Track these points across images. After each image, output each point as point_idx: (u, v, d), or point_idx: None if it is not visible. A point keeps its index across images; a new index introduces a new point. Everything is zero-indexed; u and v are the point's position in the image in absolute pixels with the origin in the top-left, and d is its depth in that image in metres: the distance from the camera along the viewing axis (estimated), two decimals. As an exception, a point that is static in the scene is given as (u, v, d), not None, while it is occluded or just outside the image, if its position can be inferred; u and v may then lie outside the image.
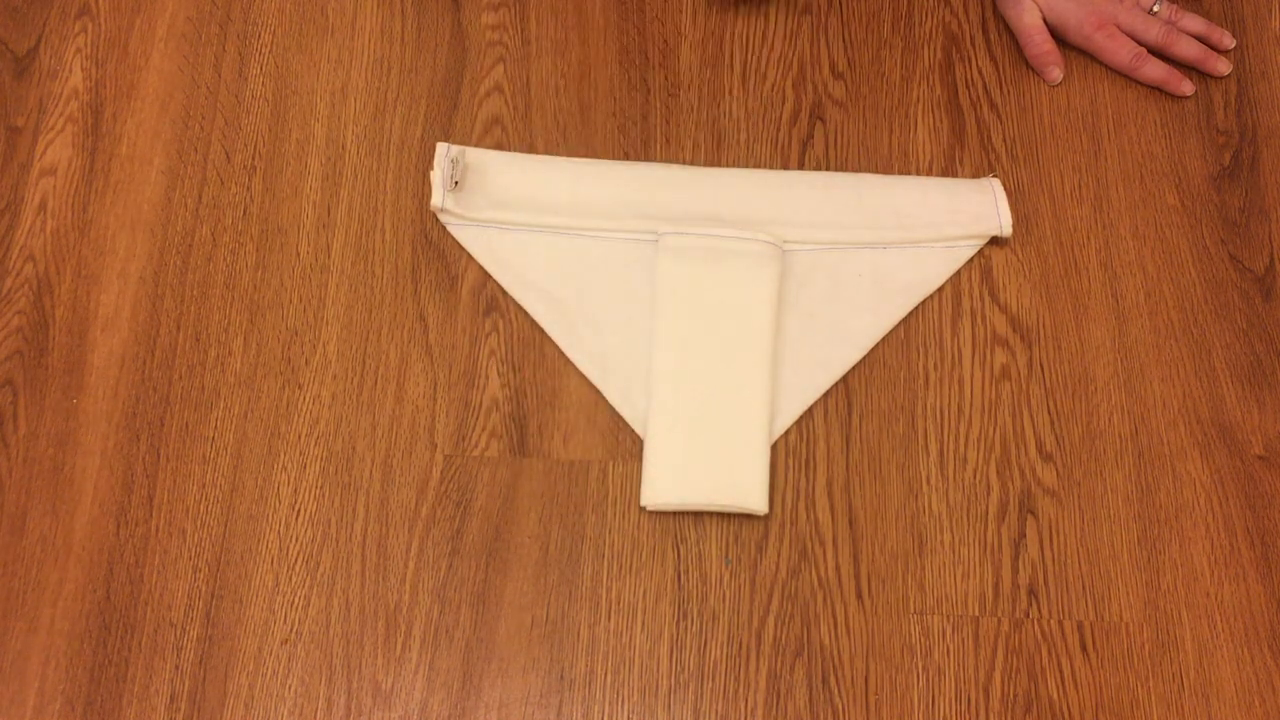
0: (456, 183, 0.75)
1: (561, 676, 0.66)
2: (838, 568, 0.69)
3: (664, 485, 0.69)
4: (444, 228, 0.76)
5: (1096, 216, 0.79)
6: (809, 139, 0.80)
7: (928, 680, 0.67)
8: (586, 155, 0.79)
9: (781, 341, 0.73)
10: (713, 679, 0.67)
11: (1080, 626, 0.68)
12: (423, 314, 0.74)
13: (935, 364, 0.74)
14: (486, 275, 0.75)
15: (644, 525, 0.70)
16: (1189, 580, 0.70)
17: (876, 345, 0.74)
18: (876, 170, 0.80)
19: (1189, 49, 0.83)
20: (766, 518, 0.70)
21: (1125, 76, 0.83)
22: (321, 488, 0.70)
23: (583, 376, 0.73)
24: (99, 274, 0.74)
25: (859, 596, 0.68)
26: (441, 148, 0.77)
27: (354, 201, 0.77)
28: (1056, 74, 0.82)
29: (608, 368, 0.73)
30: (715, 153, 0.80)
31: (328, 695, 0.65)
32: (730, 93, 0.82)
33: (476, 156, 0.77)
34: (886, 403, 0.73)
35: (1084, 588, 0.69)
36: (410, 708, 0.65)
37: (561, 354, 0.73)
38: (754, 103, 0.81)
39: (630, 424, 0.72)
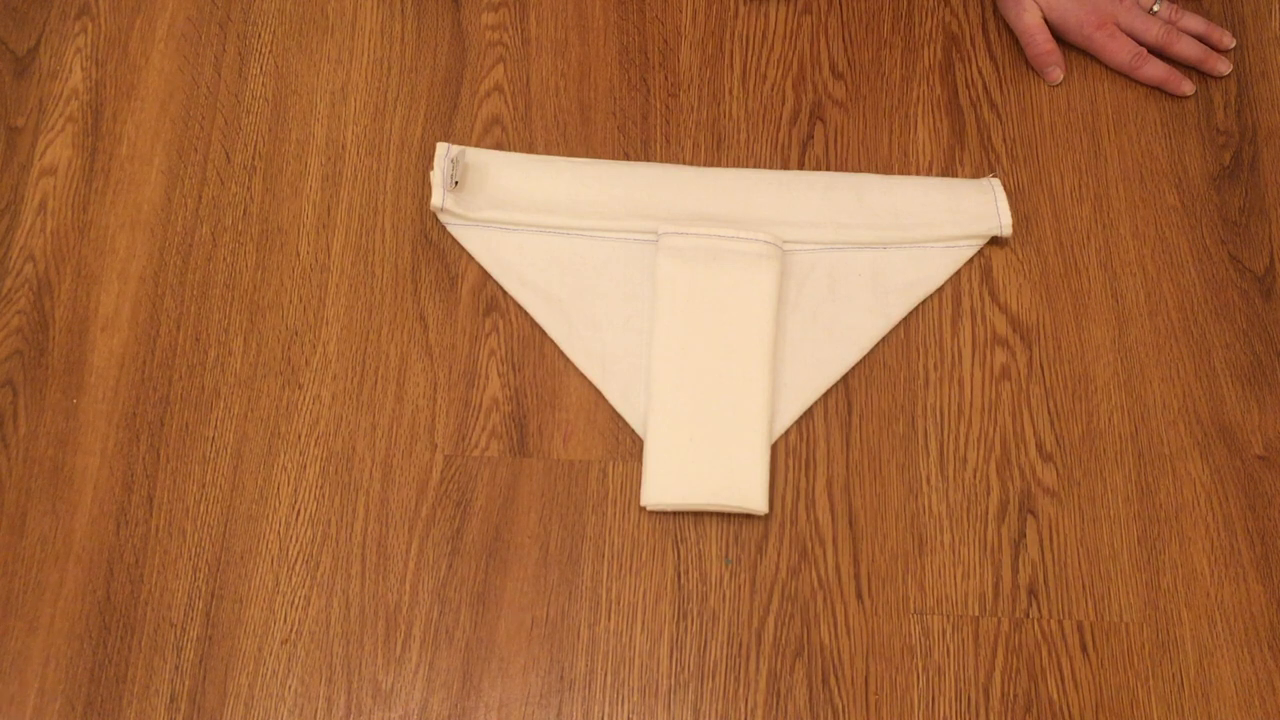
0: (456, 183, 0.75)
1: (561, 676, 0.66)
2: (838, 568, 0.69)
3: (664, 485, 0.69)
4: (444, 228, 0.76)
5: (1096, 216, 0.79)
6: (809, 139, 0.80)
7: (928, 680, 0.67)
8: (586, 155, 0.79)
9: (781, 341, 0.73)
10: (713, 679, 0.67)
11: (1080, 626, 0.68)
12: (423, 314, 0.74)
13: (935, 364, 0.74)
14: (486, 275, 0.75)
15: (644, 525, 0.70)
16: (1189, 580, 0.70)
17: (876, 345, 0.74)
18: (876, 170, 0.80)
19: (1189, 49, 0.83)
20: (766, 518, 0.70)
21: (1125, 76, 0.83)
22: (321, 488, 0.70)
23: (583, 376, 0.73)
24: (99, 274, 0.74)
25: (859, 596, 0.69)
26: (441, 148, 0.77)
27: (354, 201, 0.77)
28: (1057, 74, 0.82)
29: (608, 368, 0.73)
30: (715, 153, 0.80)
31: (328, 695, 0.65)
32: (730, 93, 0.82)
33: (476, 156, 0.77)
34: (886, 403, 0.73)
35: (1084, 588, 0.69)
36: (410, 708, 0.65)
37: (561, 354, 0.73)
38: (754, 103, 0.81)
39: (630, 424, 0.72)
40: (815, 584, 0.69)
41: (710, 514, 0.70)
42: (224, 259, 0.75)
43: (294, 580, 0.68)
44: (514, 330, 0.74)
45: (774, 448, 0.72)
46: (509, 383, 0.73)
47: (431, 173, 0.76)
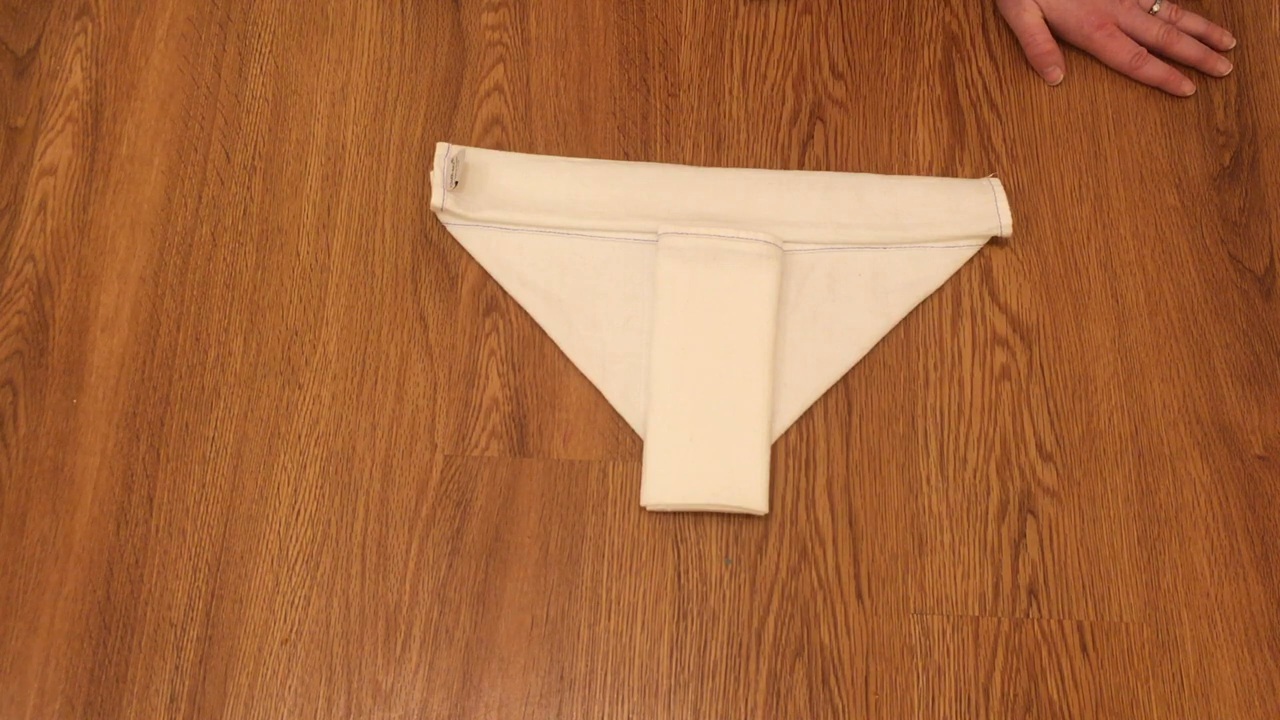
0: (456, 183, 0.75)
1: (561, 676, 0.66)
2: (838, 568, 0.69)
3: (664, 485, 0.69)
4: (444, 228, 0.76)
5: (1096, 216, 0.79)
6: (809, 139, 0.80)
7: (928, 680, 0.67)
8: (586, 155, 0.79)
9: (781, 341, 0.73)
10: (713, 679, 0.67)
11: (1080, 626, 0.68)
12: (423, 314, 0.74)
13: (935, 364, 0.74)
14: (486, 275, 0.75)
15: (644, 525, 0.70)
16: (1189, 580, 0.70)
17: (876, 345, 0.74)
18: (876, 170, 0.80)
19: (1189, 49, 0.83)
20: (766, 518, 0.70)
21: (1125, 76, 0.83)
22: (321, 488, 0.70)
23: (583, 376, 0.73)
24: (99, 274, 0.74)
25: (859, 596, 0.69)
26: (441, 148, 0.77)
27: (354, 201, 0.77)
28: (1057, 74, 0.82)
29: (608, 368, 0.73)
30: (715, 153, 0.80)
31: (328, 695, 0.65)
32: (730, 93, 0.82)
33: (476, 156, 0.77)
34: (886, 403, 0.73)
35: (1084, 588, 0.69)
36: (410, 708, 0.65)
37: (561, 354, 0.73)
38: (754, 103, 0.81)
39: (630, 424, 0.72)
40: (815, 584, 0.69)
41: (710, 514, 0.70)
42: (224, 259, 0.75)
43: (294, 580, 0.68)
44: (514, 330, 0.74)
45: (774, 448, 0.72)
46: (509, 383, 0.73)
47: (431, 173, 0.76)
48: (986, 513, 0.71)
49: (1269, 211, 0.80)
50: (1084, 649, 0.68)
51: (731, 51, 0.83)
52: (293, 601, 0.67)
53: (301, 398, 0.72)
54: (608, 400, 0.72)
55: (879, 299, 0.75)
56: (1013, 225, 0.77)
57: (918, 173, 0.80)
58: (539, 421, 0.72)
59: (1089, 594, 0.69)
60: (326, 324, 0.74)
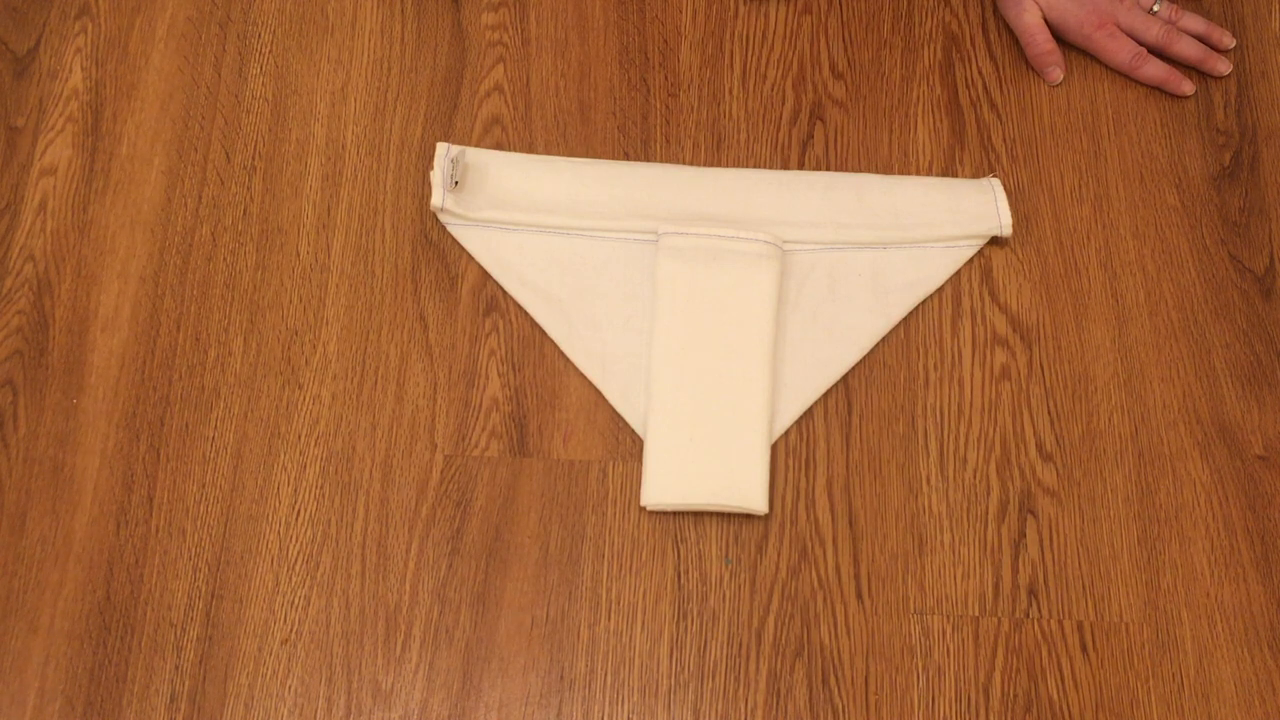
0: (456, 183, 0.75)
1: (561, 676, 0.66)
2: (838, 568, 0.69)
3: (664, 485, 0.69)
4: (444, 228, 0.76)
5: (1096, 216, 0.79)
6: (809, 139, 0.80)
7: (928, 680, 0.67)
8: (586, 155, 0.79)
9: (781, 341, 0.73)
10: (713, 679, 0.67)
11: (1080, 626, 0.68)
12: (423, 314, 0.74)
13: (935, 364, 0.74)
14: (486, 275, 0.75)
15: (644, 525, 0.70)
16: (1189, 580, 0.70)
17: (876, 345, 0.74)
18: (876, 170, 0.80)
19: (1189, 49, 0.83)
20: (766, 518, 0.70)
21: (1125, 76, 0.83)
22: (321, 488, 0.70)
23: (583, 376, 0.73)
24: (99, 274, 0.74)
25: (859, 596, 0.69)
26: (441, 148, 0.77)
27: (354, 201, 0.77)
28: (1057, 74, 0.82)
29: (608, 368, 0.73)
30: (715, 153, 0.80)
31: (328, 695, 0.65)
32: (730, 93, 0.82)
33: (476, 156, 0.77)
34: (886, 403, 0.73)
35: (1084, 588, 0.69)
36: (410, 708, 0.65)
37: (561, 354, 0.73)
38: (754, 103, 0.81)
39: (630, 424, 0.72)
40: (815, 584, 0.69)
41: (710, 514, 0.70)
42: (224, 259, 0.75)
43: (294, 580, 0.68)
44: (514, 330, 0.74)
45: (774, 448, 0.72)
46: (509, 383, 0.73)
47: (431, 173, 0.76)
48: (986, 513, 0.71)
49: (1269, 211, 0.80)
50: (1084, 649, 0.68)
51: (731, 51, 0.83)
52: (293, 601, 0.67)
53: (301, 398, 0.72)
54: (608, 400, 0.72)
55: (879, 299, 0.75)
56: (1013, 225, 0.77)
57: (918, 173, 0.80)
58: (539, 421, 0.72)
59: (1089, 594, 0.69)
60: (326, 324, 0.74)
